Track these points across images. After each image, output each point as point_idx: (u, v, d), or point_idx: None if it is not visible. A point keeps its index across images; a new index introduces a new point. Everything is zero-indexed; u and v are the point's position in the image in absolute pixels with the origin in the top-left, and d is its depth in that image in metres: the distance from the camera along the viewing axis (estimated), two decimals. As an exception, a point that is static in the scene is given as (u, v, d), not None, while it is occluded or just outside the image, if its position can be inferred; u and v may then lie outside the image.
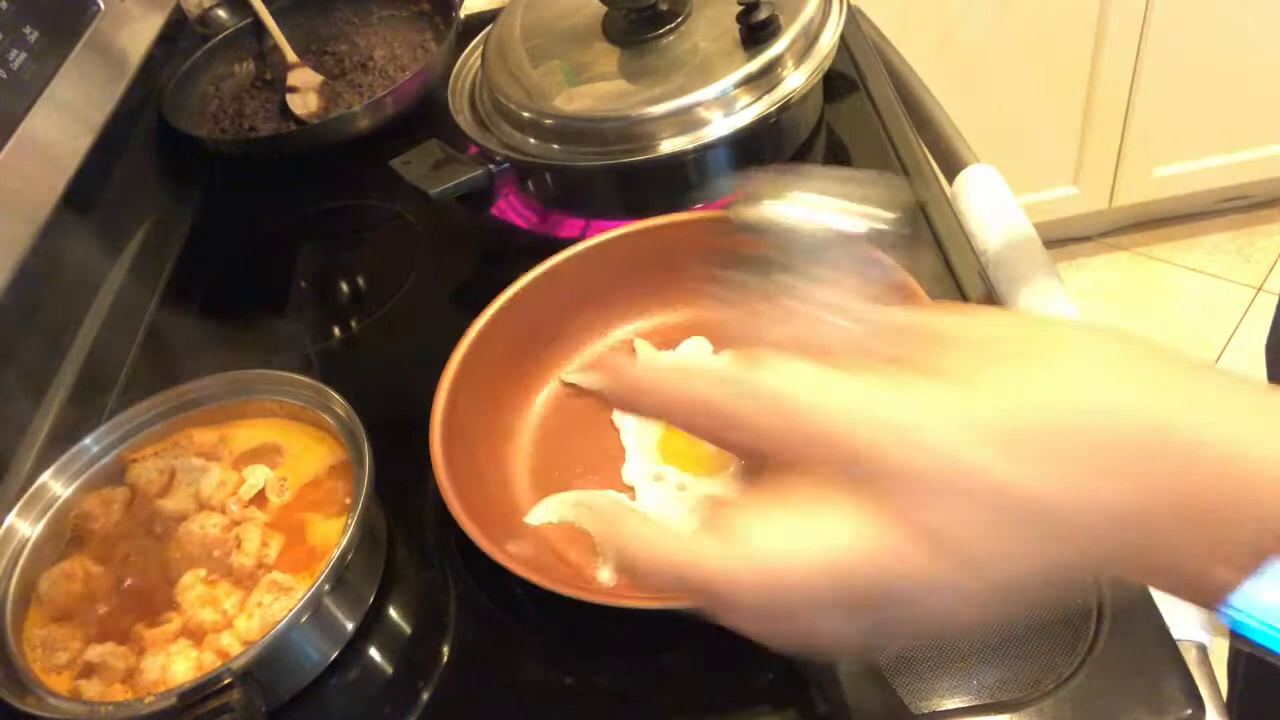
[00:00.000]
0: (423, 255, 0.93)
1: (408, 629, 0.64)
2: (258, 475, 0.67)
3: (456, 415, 0.66)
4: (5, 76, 0.81)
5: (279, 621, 0.56)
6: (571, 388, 0.74)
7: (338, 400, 0.67)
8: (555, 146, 0.85)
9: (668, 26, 0.87)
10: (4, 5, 0.83)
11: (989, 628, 0.55)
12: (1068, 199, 1.90)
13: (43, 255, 0.80)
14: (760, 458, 0.32)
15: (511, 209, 0.93)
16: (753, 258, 0.34)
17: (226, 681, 0.54)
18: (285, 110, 1.10)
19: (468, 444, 0.66)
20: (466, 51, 0.99)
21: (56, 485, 0.68)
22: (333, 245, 1.00)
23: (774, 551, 0.29)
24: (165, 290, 0.97)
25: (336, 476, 0.66)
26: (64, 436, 0.72)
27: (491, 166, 0.85)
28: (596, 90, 0.85)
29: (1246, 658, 0.81)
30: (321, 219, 1.03)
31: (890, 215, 0.33)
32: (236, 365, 0.73)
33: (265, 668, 0.56)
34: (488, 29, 0.96)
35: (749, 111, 0.81)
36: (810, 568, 0.29)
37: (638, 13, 0.86)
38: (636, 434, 0.69)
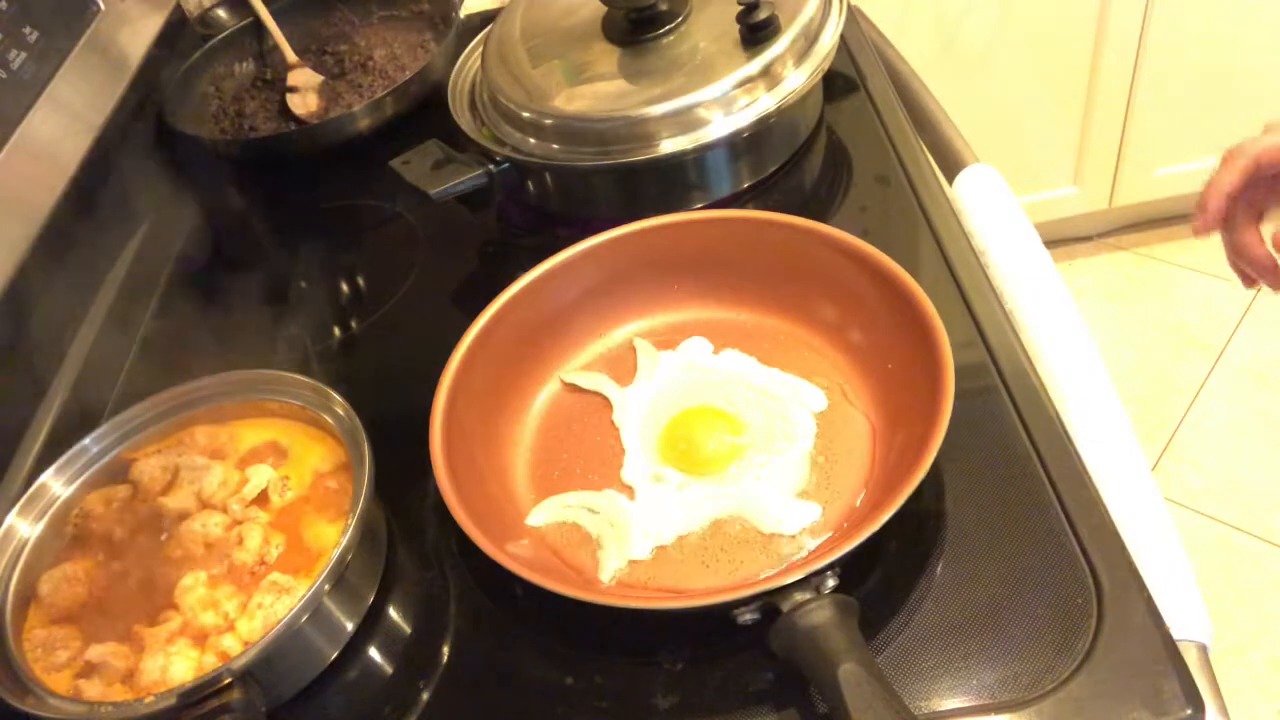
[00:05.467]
0: (423, 255, 0.93)
1: (408, 629, 0.64)
2: (261, 475, 0.67)
3: (456, 415, 0.66)
4: (5, 76, 0.81)
5: (279, 621, 0.56)
6: (571, 388, 0.74)
7: (338, 400, 0.67)
8: (555, 146, 0.85)
9: (668, 26, 0.87)
10: (4, 5, 0.83)
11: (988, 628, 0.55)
12: (1068, 199, 1.90)
13: (43, 255, 0.80)
14: None
15: (511, 209, 0.93)
16: None
17: (226, 681, 0.54)
18: (285, 110, 1.10)
19: (468, 444, 0.66)
20: (466, 51, 0.99)
21: (56, 485, 0.68)
22: (333, 245, 1.00)
23: None
24: (165, 290, 0.97)
25: (337, 476, 0.66)
26: (64, 436, 0.72)
27: (491, 166, 0.85)
28: (596, 90, 0.85)
29: None
30: (321, 219, 1.03)
31: None
32: (236, 365, 0.73)
33: (265, 668, 0.56)
34: (488, 29, 0.96)
35: (749, 111, 0.81)
36: None
37: (638, 13, 0.86)
38: (636, 434, 0.69)
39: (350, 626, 0.62)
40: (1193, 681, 0.51)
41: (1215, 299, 1.93)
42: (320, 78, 1.12)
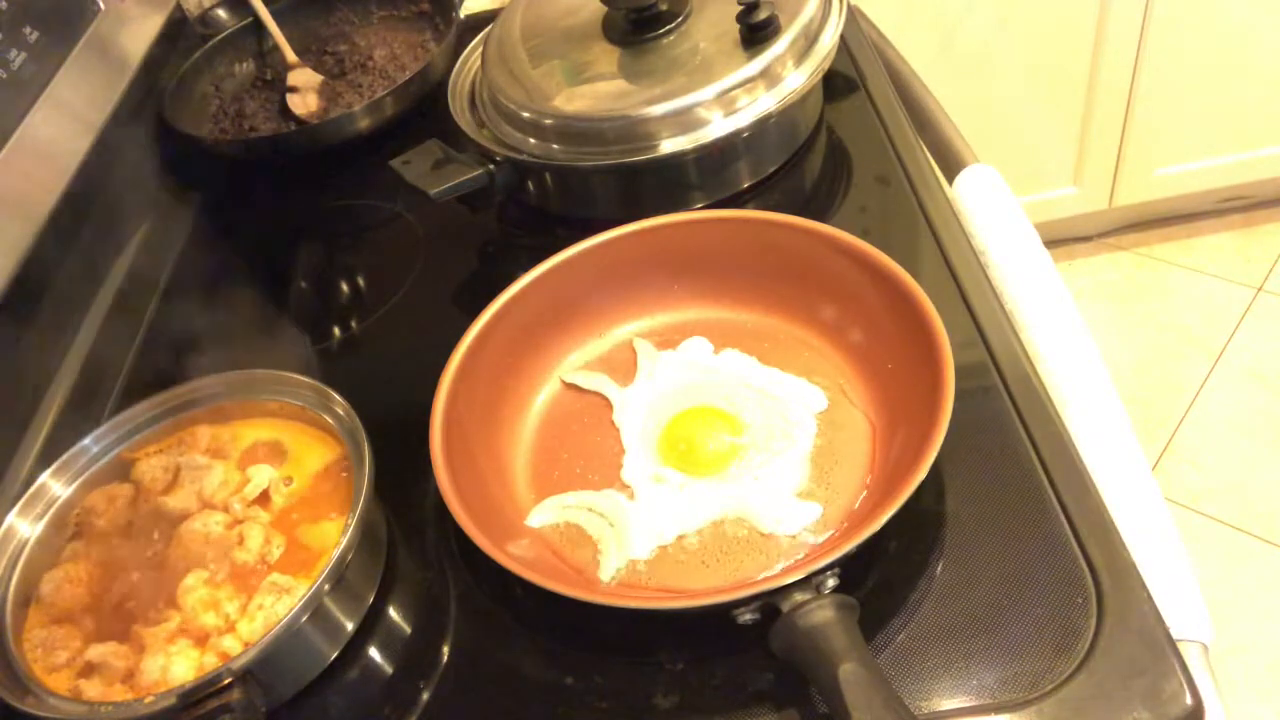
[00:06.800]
0: (423, 255, 0.93)
1: (408, 629, 0.64)
2: (263, 474, 0.67)
3: (456, 415, 0.66)
4: (5, 76, 0.81)
5: (279, 621, 0.56)
6: (571, 388, 0.74)
7: (338, 400, 0.67)
8: (555, 146, 0.85)
9: (668, 27, 0.87)
10: (4, 5, 0.83)
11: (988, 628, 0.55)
12: (1068, 199, 1.90)
13: (43, 255, 0.80)
14: None
15: (511, 209, 0.93)
16: None
17: (226, 681, 0.54)
18: (285, 110, 1.10)
19: (468, 444, 0.66)
20: (466, 51, 0.99)
21: (56, 485, 0.68)
22: (333, 245, 1.00)
23: None
24: (165, 290, 0.97)
25: (337, 476, 0.66)
26: (64, 436, 0.72)
27: (491, 166, 0.85)
28: (596, 90, 0.85)
29: None
30: (321, 219, 1.03)
31: None
32: (237, 365, 0.73)
33: (265, 668, 0.56)
34: (488, 29, 0.97)
35: (749, 111, 0.81)
36: None
37: (638, 13, 0.86)
38: (637, 434, 0.69)
39: (350, 626, 0.62)
40: (1193, 681, 0.51)
41: (1215, 299, 1.93)
42: (320, 78, 1.12)
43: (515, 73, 0.89)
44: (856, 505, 0.62)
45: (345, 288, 0.95)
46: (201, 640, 0.59)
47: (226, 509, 0.65)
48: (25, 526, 0.66)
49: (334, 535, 0.63)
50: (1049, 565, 0.57)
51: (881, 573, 0.59)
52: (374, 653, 0.62)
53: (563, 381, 0.75)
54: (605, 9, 0.89)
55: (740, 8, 0.81)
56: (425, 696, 0.60)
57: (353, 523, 0.59)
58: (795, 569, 0.53)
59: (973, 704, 0.52)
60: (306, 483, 0.67)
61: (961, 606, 0.56)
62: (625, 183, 0.86)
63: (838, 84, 0.96)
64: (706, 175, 0.86)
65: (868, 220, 0.83)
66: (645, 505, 0.65)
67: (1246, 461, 1.69)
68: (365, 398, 0.67)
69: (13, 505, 0.66)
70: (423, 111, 1.05)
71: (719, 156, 0.84)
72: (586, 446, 0.70)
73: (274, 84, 1.15)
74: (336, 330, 0.89)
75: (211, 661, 0.58)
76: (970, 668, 0.53)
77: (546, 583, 0.55)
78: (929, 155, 0.90)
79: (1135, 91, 1.73)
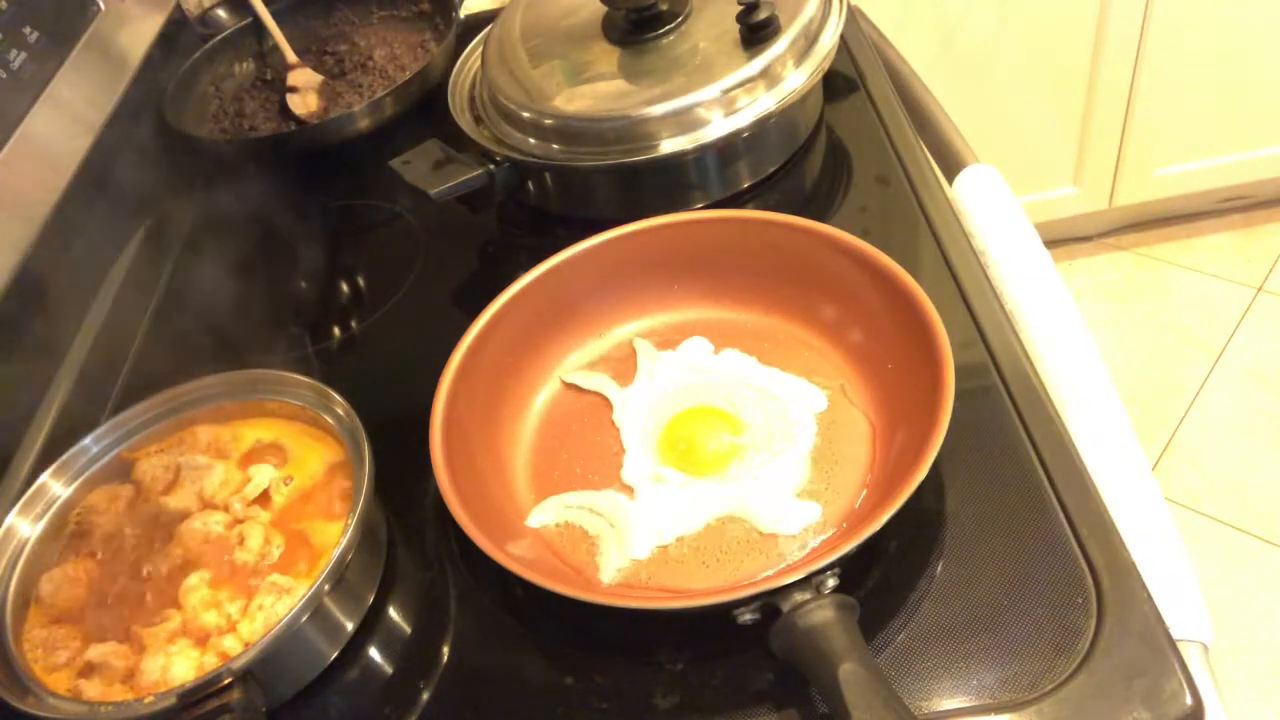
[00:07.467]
0: (423, 255, 0.93)
1: (408, 629, 0.64)
2: (263, 474, 0.67)
3: (456, 415, 0.66)
4: (5, 76, 0.81)
5: (279, 621, 0.56)
6: (571, 388, 0.74)
7: (338, 400, 0.67)
8: (555, 146, 0.85)
9: (668, 27, 0.87)
10: (4, 5, 0.83)
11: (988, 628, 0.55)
12: (1068, 199, 1.90)
13: (43, 255, 0.80)
14: None
15: (511, 209, 0.93)
16: None
17: (226, 681, 0.54)
18: (285, 110, 1.10)
19: (468, 444, 0.66)
20: (466, 51, 0.99)
21: (56, 485, 0.68)
22: (333, 245, 1.00)
23: None
24: (165, 290, 0.97)
25: (337, 476, 0.66)
26: (64, 436, 0.72)
27: (491, 166, 0.85)
28: (596, 90, 0.85)
29: None
30: (321, 219, 1.03)
31: None
32: (237, 365, 0.73)
33: (265, 668, 0.56)
34: (488, 29, 0.97)
35: (749, 111, 0.81)
36: None
37: (638, 13, 0.86)
38: (637, 434, 0.69)
39: (350, 626, 0.62)
40: (1193, 681, 0.51)
41: (1215, 299, 1.93)
42: (320, 78, 1.12)
43: (515, 73, 0.89)
44: (856, 505, 0.62)
45: (345, 288, 0.95)
46: (202, 640, 0.59)
47: (227, 509, 0.65)
48: (25, 526, 0.66)
49: (334, 535, 0.63)
50: (1049, 565, 0.57)
51: (881, 573, 0.59)
52: (374, 653, 0.62)
53: (563, 381, 0.75)
54: (605, 9, 0.89)
55: (740, 8, 0.82)
56: (425, 696, 0.60)
57: (353, 523, 0.59)
58: (795, 569, 0.53)
59: (973, 704, 0.52)
60: (307, 482, 0.67)
61: (961, 606, 0.56)
62: (625, 183, 0.87)
63: (838, 84, 0.96)
64: (706, 175, 0.86)
65: (868, 220, 0.83)
66: (645, 505, 0.65)
67: (1246, 461, 1.69)
68: (365, 398, 0.67)
69: (13, 505, 0.66)
70: (423, 111, 1.05)
71: (719, 156, 0.84)
72: (586, 446, 0.70)
73: (274, 84, 1.15)
74: (336, 330, 0.89)
75: (211, 661, 0.58)
76: (970, 668, 0.53)
77: (546, 583, 0.55)
78: (929, 155, 0.90)
79: (1135, 91, 1.73)
